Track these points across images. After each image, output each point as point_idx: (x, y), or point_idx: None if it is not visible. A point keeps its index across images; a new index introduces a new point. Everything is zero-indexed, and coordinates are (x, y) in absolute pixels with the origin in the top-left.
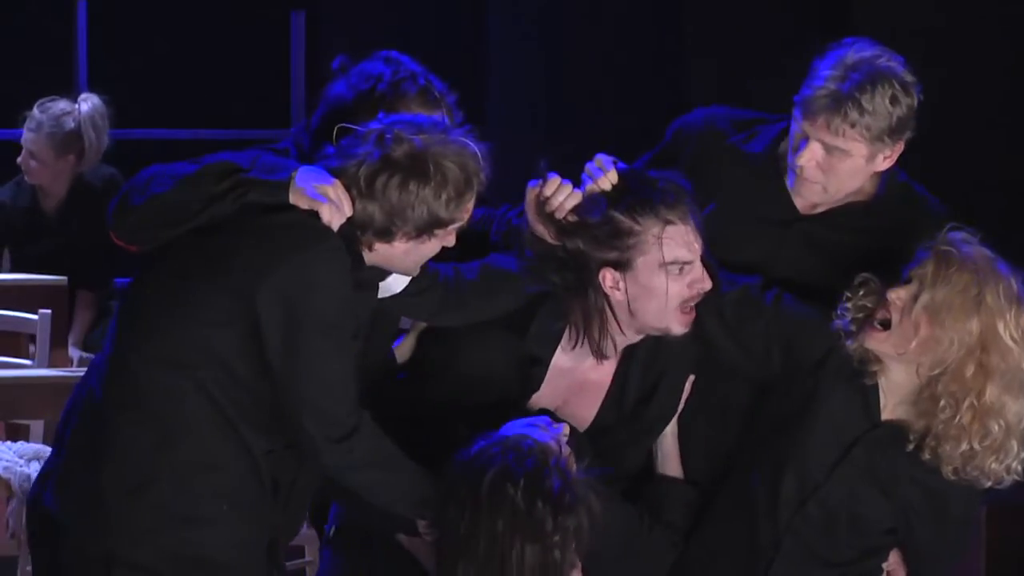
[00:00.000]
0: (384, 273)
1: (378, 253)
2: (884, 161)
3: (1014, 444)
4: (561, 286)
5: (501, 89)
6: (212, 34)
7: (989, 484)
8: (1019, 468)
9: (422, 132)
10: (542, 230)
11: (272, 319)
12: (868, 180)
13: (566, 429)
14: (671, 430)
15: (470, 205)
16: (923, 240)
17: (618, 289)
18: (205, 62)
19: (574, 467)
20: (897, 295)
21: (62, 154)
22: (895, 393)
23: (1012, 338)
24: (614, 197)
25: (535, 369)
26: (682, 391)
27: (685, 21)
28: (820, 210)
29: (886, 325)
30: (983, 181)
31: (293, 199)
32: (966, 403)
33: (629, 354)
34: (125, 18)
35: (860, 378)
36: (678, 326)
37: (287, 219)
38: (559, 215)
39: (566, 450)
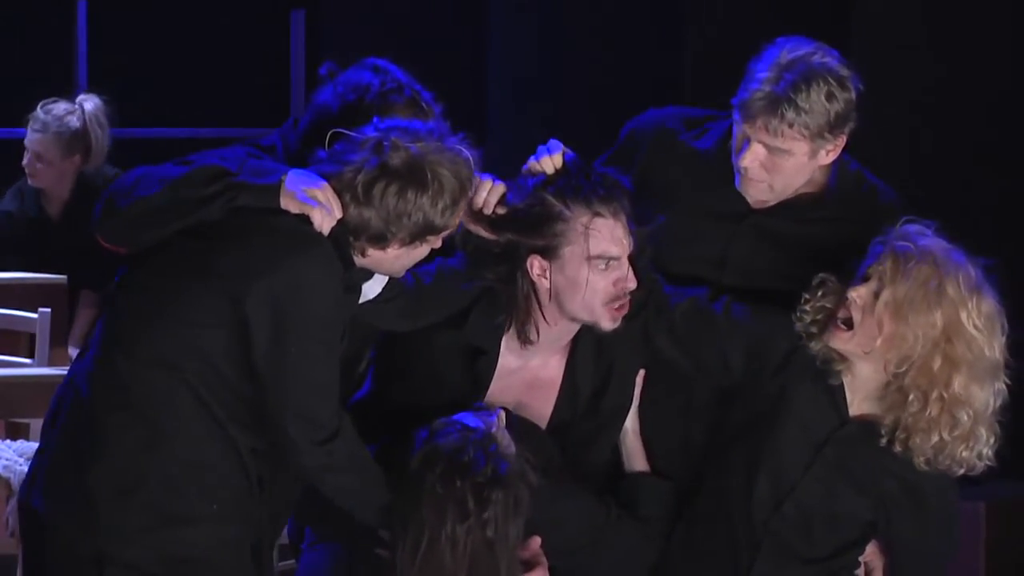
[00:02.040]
0: (368, 274)
1: (370, 258)
2: (827, 155)
3: (983, 431)
4: (495, 280)
5: (501, 88)
6: (212, 33)
7: (962, 471)
8: (990, 454)
9: (418, 140)
10: (476, 228)
11: (261, 322)
12: (819, 171)
13: (501, 414)
14: (632, 426)
15: (462, 211)
16: (877, 232)
17: (544, 278)
18: (205, 61)
19: (505, 444)
20: (857, 293)
21: (69, 154)
22: (861, 389)
23: (975, 327)
24: (550, 180)
25: (482, 361)
26: (634, 380)
27: (685, 22)
28: (771, 204)
29: (849, 324)
30: (981, 175)
31: (283, 203)
32: (934, 395)
33: (575, 348)
34: (125, 17)
35: (825, 377)
36: (607, 321)
37: (278, 223)
38: (487, 211)
39: (496, 430)
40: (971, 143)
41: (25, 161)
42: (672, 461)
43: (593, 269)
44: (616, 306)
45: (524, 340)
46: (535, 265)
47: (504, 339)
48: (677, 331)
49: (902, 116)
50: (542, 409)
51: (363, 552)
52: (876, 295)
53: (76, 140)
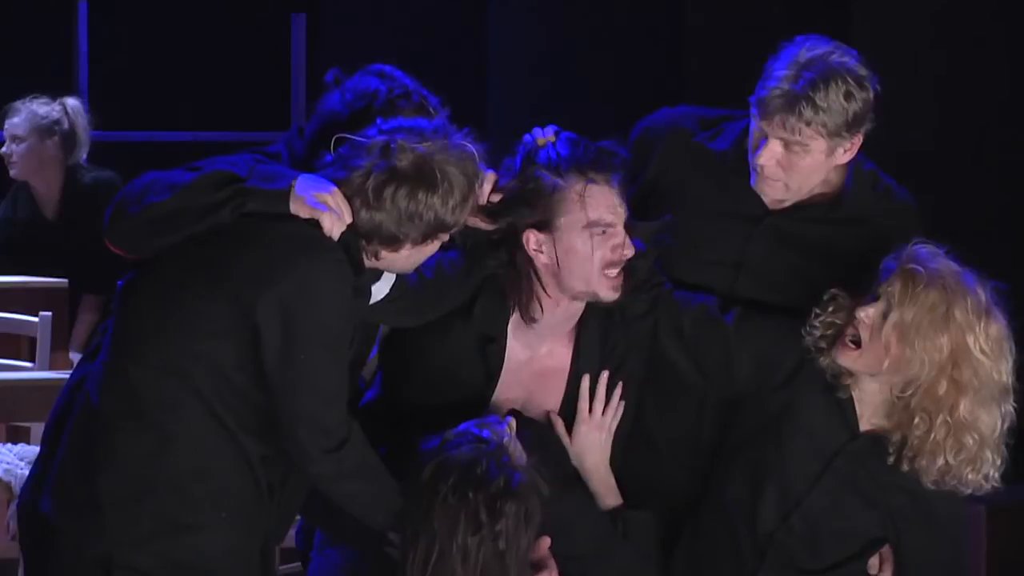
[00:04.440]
0: (378, 275)
1: (383, 260)
2: (844, 155)
3: (989, 454)
4: (496, 266)
5: (501, 90)
6: (212, 36)
7: (969, 492)
8: (996, 476)
9: (424, 139)
10: (474, 221)
11: (271, 329)
12: (834, 172)
13: (512, 423)
14: (593, 461)
15: (471, 207)
16: (892, 238)
17: (541, 252)
18: (206, 64)
19: (517, 455)
20: (866, 313)
21: (45, 136)
22: (870, 404)
23: (982, 351)
24: (539, 154)
25: (491, 348)
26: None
27: (685, 19)
28: (787, 204)
29: (857, 342)
30: (981, 175)
31: (293, 208)
32: (939, 419)
33: (580, 335)
34: (125, 20)
35: (834, 390)
36: (607, 291)
37: (288, 229)
38: (482, 201)
39: (507, 440)
40: (971, 143)
41: (4, 148)
42: (681, 465)
43: (590, 237)
44: (614, 274)
45: (529, 319)
46: (531, 239)
47: (511, 327)
48: (685, 336)
49: (902, 114)
50: (552, 399)
51: (373, 553)
52: (884, 316)
53: (53, 124)
